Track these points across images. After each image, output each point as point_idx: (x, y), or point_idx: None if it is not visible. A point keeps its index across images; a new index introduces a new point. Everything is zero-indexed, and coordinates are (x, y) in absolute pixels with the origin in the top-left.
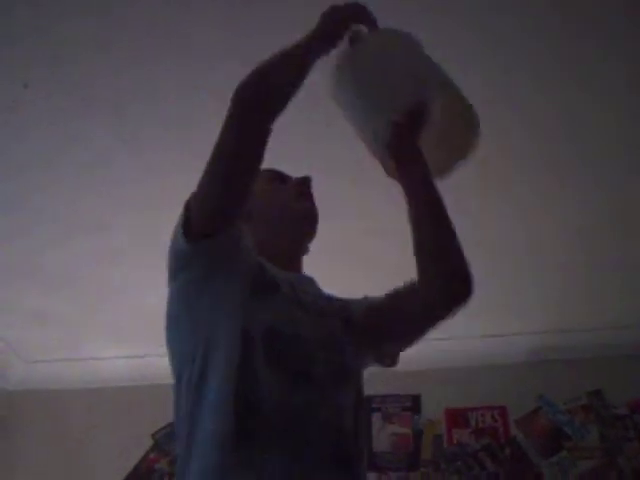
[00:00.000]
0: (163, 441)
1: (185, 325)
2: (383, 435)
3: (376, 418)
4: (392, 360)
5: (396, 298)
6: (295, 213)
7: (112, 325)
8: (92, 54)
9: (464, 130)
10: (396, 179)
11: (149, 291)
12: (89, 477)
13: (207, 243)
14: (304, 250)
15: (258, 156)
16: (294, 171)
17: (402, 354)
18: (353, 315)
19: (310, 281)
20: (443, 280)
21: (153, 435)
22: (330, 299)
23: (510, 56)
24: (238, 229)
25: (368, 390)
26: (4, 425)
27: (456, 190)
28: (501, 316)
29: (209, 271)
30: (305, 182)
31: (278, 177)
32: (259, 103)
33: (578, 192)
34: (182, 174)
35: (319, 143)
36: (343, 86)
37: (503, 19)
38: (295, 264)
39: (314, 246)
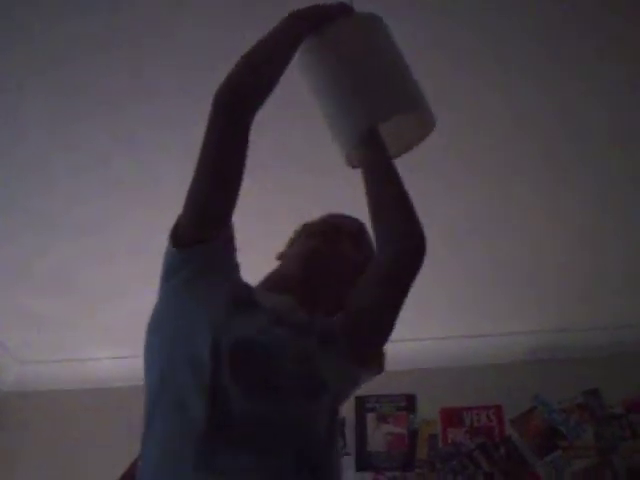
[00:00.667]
0: None
1: (162, 334)
2: (378, 435)
3: (371, 418)
4: (378, 363)
5: (360, 289)
6: (299, 250)
7: (106, 326)
8: (89, 55)
9: (417, 127)
10: (356, 166)
11: (144, 292)
12: (83, 478)
13: (192, 250)
14: (306, 283)
15: (237, 155)
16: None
17: (397, 353)
18: (334, 330)
19: (296, 306)
20: (400, 236)
21: None
22: (314, 321)
23: (509, 56)
24: (225, 240)
25: (363, 390)
26: None
27: (455, 189)
28: (497, 316)
29: (191, 279)
30: (329, 229)
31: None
32: (232, 102)
33: (577, 192)
34: (179, 176)
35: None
36: (309, 71)
37: (502, 19)
38: (294, 291)
39: None
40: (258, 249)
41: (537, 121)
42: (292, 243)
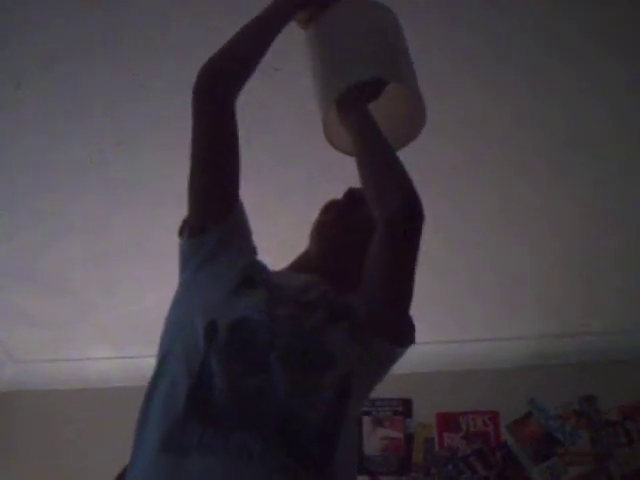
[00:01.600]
0: None
1: (167, 320)
2: (374, 439)
3: (367, 422)
4: (407, 334)
5: (369, 259)
6: (314, 225)
7: (104, 326)
8: (87, 54)
9: (410, 120)
10: (336, 144)
11: (141, 292)
12: (80, 478)
13: (201, 236)
14: (323, 259)
15: (224, 136)
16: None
17: None
18: (350, 305)
19: (315, 283)
20: (395, 195)
21: None
22: (326, 297)
23: (509, 56)
24: (233, 223)
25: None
26: None
27: (455, 192)
28: (493, 321)
29: (202, 267)
30: (340, 198)
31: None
32: (209, 83)
33: (576, 197)
34: (177, 175)
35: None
36: (312, 42)
37: (502, 18)
38: (314, 268)
39: None
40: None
41: (537, 123)
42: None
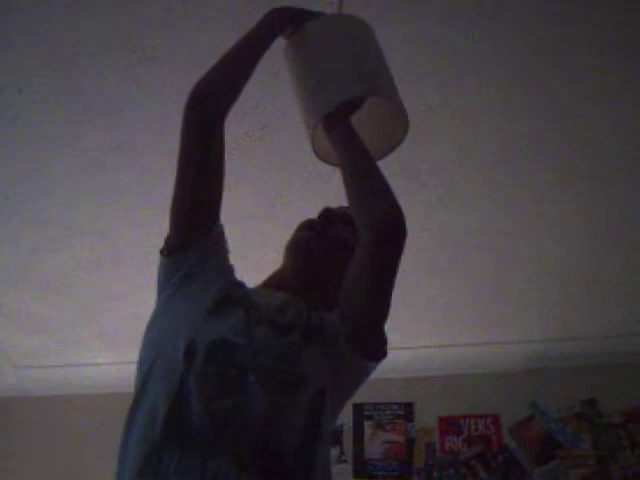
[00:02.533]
0: None
1: (145, 341)
2: (376, 443)
3: (369, 426)
4: (380, 349)
5: (348, 275)
6: (289, 241)
7: (105, 331)
8: (88, 58)
9: (393, 128)
10: (323, 156)
11: (142, 297)
12: None
13: (180, 254)
14: (298, 275)
15: (210, 154)
16: None
17: (395, 361)
18: (323, 325)
19: (292, 302)
20: (378, 212)
21: None
22: (301, 317)
23: (508, 59)
24: (212, 241)
25: (361, 398)
26: None
27: (455, 196)
28: (495, 324)
29: (182, 285)
30: (319, 216)
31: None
32: (198, 105)
33: (578, 201)
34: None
35: None
36: (289, 62)
37: (499, 19)
38: (289, 285)
39: None
40: (252, 254)
41: (539, 129)
42: None
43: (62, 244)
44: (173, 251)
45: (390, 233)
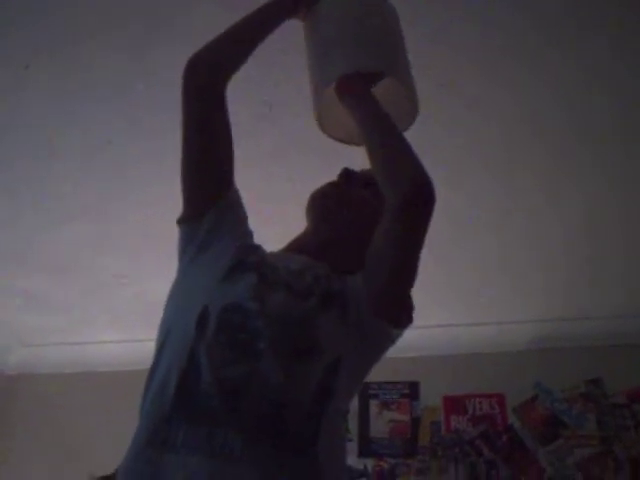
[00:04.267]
0: None
1: (164, 311)
2: (381, 422)
3: (374, 405)
4: (406, 315)
5: (375, 242)
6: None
7: (111, 309)
8: (96, 36)
9: (402, 111)
10: (327, 129)
11: (148, 276)
12: (86, 460)
13: (195, 221)
14: (318, 235)
15: (209, 124)
16: None
17: (401, 340)
18: (343, 290)
19: (313, 266)
20: (404, 179)
21: None
22: (319, 281)
23: (513, 49)
24: (227, 206)
25: (367, 377)
26: (2, 408)
27: (462, 180)
28: (500, 304)
29: (199, 251)
30: (338, 176)
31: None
32: (191, 72)
33: (581, 181)
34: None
35: None
36: (305, 37)
37: (505, 11)
38: (311, 248)
39: None
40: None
41: (540, 112)
42: None
43: (68, 223)
44: (188, 220)
45: (418, 200)
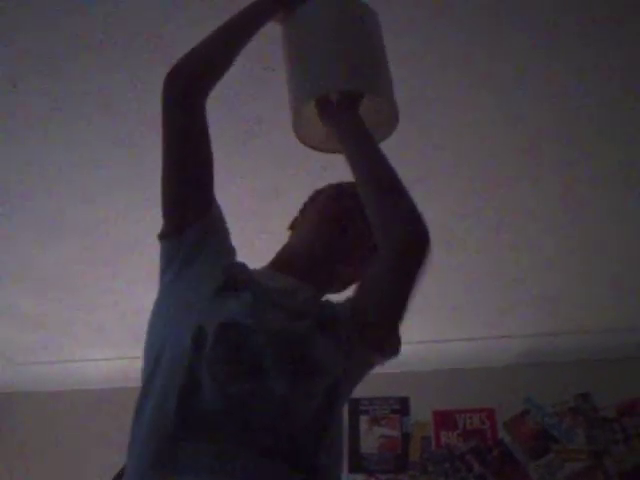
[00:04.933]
0: None
1: (150, 331)
2: (371, 437)
3: (364, 420)
4: (393, 346)
5: (369, 275)
6: (308, 231)
7: (100, 327)
8: (83, 53)
9: (381, 121)
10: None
11: (140, 293)
12: (77, 478)
13: (178, 237)
14: (308, 262)
15: (189, 136)
16: None
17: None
18: (336, 315)
19: (301, 287)
20: (398, 223)
21: None
22: (314, 304)
23: (504, 55)
24: (210, 223)
25: (357, 392)
26: None
27: (450, 191)
28: (490, 319)
29: (183, 268)
30: (341, 212)
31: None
32: (171, 83)
33: (571, 197)
34: None
35: None
36: (283, 46)
37: (496, 17)
38: (296, 268)
39: None
40: (251, 249)
41: (533, 121)
42: (303, 214)
43: (59, 240)
44: (169, 236)
45: (414, 254)
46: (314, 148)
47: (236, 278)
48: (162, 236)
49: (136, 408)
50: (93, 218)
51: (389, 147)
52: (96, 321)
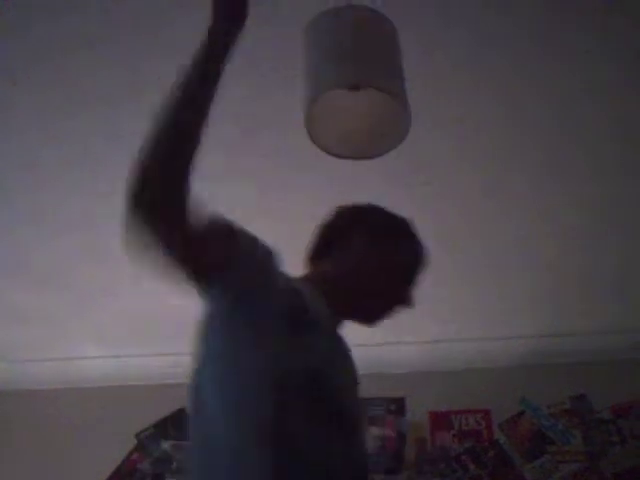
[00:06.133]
0: (146, 442)
1: (210, 375)
2: (367, 438)
3: None
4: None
5: None
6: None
7: (97, 325)
8: (83, 51)
9: (393, 129)
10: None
11: (134, 291)
12: (72, 477)
13: (211, 294)
14: (350, 303)
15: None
16: None
17: (387, 356)
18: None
19: (331, 314)
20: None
21: (137, 435)
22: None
23: (507, 53)
24: (242, 271)
25: None
26: None
27: (452, 191)
28: (486, 320)
29: (236, 309)
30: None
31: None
32: (140, 206)
33: (574, 196)
34: None
35: None
36: (307, 45)
37: (500, 16)
38: (334, 303)
39: None
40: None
41: (534, 120)
42: (349, 240)
43: (54, 236)
44: (208, 290)
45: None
46: (327, 151)
47: (296, 311)
48: (202, 292)
49: (200, 464)
50: (88, 213)
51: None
52: (90, 319)
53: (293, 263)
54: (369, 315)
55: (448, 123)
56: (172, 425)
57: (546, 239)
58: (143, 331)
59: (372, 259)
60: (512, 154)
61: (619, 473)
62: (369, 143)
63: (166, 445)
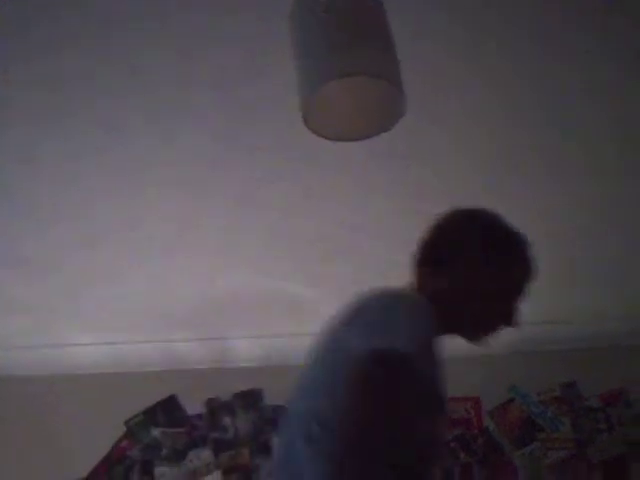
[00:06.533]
0: (136, 429)
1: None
2: None
3: None
4: None
5: None
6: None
7: (88, 312)
8: (79, 44)
9: (388, 108)
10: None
11: (126, 279)
12: (64, 463)
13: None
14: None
15: None
16: None
17: None
18: None
19: None
20: None
21: (126, 422)
22: None
23: (507, 49)
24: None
25: None
26: None
27: (449, 180)
28: None
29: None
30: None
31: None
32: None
33: (567, 187)
34: (164, 164)
35: None
36: (294, 31)
37: (500, 12)
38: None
39: None
40: (240, 240)
41: (535, 120)
42: (464, 254)
43: (45, 225)
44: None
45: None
46: (325, 137)
47: (435, 395)
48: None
49: None
50: (79, 204)
51: None
52: (81, 306)
53: None
54: (477, 333)
55: (448, 123)
56: (162, 412)
57: (536, 228)
58: (134, 318)
59: (487, 280)
60: (512, 154)
61: (606, 460)
62: (366, 124)
63: (155, 432)
